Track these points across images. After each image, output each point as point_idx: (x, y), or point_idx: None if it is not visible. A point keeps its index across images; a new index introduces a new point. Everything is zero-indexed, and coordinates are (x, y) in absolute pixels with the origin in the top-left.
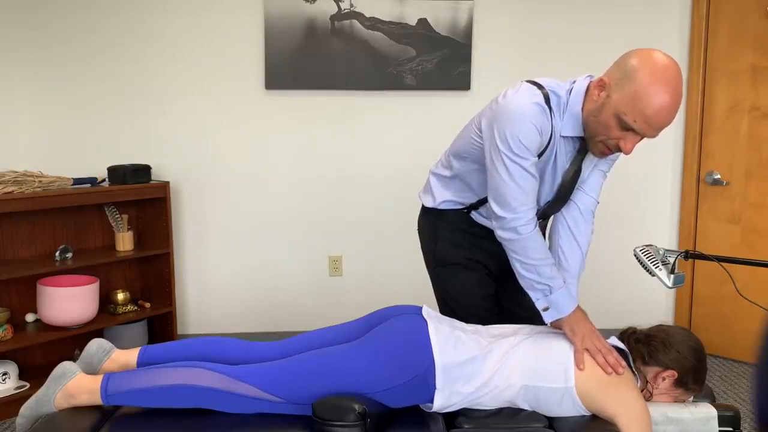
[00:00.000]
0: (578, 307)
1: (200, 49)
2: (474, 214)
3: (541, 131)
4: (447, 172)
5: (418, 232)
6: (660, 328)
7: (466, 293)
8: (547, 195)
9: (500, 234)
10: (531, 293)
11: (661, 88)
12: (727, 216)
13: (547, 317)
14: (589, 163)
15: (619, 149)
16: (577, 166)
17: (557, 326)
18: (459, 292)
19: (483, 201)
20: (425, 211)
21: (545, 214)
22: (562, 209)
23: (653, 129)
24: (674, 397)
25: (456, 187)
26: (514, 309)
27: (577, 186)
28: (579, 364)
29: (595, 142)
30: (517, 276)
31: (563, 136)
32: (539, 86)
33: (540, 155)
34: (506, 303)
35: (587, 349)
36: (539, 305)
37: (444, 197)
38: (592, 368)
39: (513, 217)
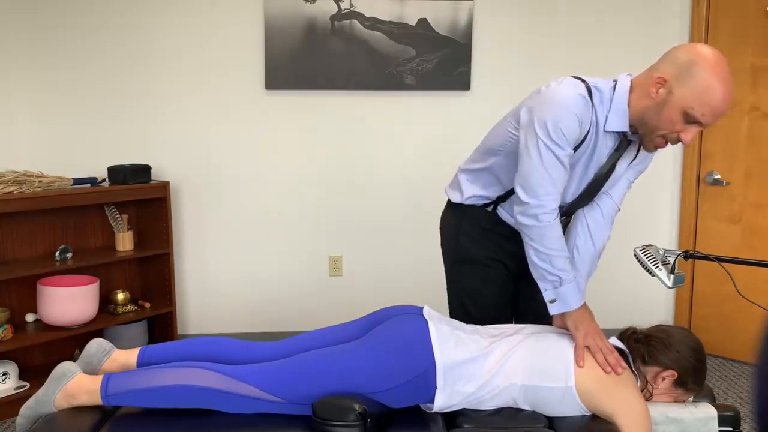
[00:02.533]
0: (584, 305)
1: (200, 49)
2: (500, 210)
3: (581, 122)
4: (477, 165)
5: (441, 227)
6: (660, 328)
7: (483, 290)
8: (575, 191)
9: (520, 219)
10: (540, 283)
11: (722, 80)
12: (727, 216)
13: (553, 309)
14: (624, 162)
15: (677, 141)
16: (612, 163)
17: (561, 323)
18: (475, 288)
19: (509, 193)
20: (450, 205)
21: (569, 210)
22: (585, 210)
23: (716, 119)
24: (674, 397)
25: (484, 179)
26: (533, 307)
27: (605, 187)
28: (579, 361)
29: (653, 137)
30: (530, 264)
31: (606, 131)
32: (582, 80)
33: (576, 148)
34: (525, 301)
35: (588, 347)
36: (547, 296)
37: (471, 192)
38: (593, 368)
39: (536, 204)
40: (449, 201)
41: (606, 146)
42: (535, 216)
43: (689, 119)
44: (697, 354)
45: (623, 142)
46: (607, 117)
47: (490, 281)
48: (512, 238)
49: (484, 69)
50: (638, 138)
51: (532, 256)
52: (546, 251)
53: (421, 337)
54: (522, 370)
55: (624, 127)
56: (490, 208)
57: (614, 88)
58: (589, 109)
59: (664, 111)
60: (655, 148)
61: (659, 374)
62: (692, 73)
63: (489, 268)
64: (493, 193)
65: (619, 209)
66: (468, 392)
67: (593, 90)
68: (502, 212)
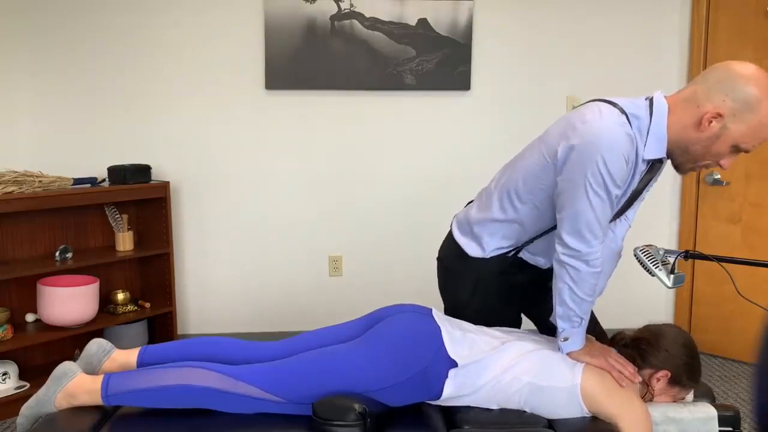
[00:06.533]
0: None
1: (200, 49)
2: (523, 254)
3: (628, 161)
4: (498, 215)
5: (450, 275)
6: (647, 329)
7: (491, 319)
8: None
9: (569, 262)
10: (561, 322)
11: None
12: (727, 216)
13: (565, 348)
14: (652, 182)
15: (712, 166)
16: (643, 186)
17: (574, 357)
18: (483, 318)
19: (535, 238)
20: (465, 257)
21: None
22: None
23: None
24: (672, 396)
25: (506, 230)
26: (550, 325)
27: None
28: (622, 382)
29: (695, 165)
30: (558, 302)
31: (644, 159)
32: (618, 107)
33: None
34: (538, 312)
35: (614, 366)
36: (562, 335)
37: (494, 245)
38: (600, 372)
39: (588, 251)
40: (463, 251)
41: (640, 171)
42: (587, 262)
43: (736, 150)
44: (687, 350)
45: (656, 165)
46: (645, 144)
47: (501, 315)
48: (524, 272)
49: (484, 69)
50: (670, 160)
51: (564, 296)
52: (582, 295)
53: (429, 334)
54: (533, 371)
55: (661, 153)
56: (511, 254)
57: (650, 110)
58: (634, 145)
59: (715, 145)
60: (691, 172)
61: (653, 376)
62: (753, 110)
63: (504, 308)
64: (516, 241)
65: (630, 226)
66: (479, 385)
67: (631, 119)
68: (526, 254)
